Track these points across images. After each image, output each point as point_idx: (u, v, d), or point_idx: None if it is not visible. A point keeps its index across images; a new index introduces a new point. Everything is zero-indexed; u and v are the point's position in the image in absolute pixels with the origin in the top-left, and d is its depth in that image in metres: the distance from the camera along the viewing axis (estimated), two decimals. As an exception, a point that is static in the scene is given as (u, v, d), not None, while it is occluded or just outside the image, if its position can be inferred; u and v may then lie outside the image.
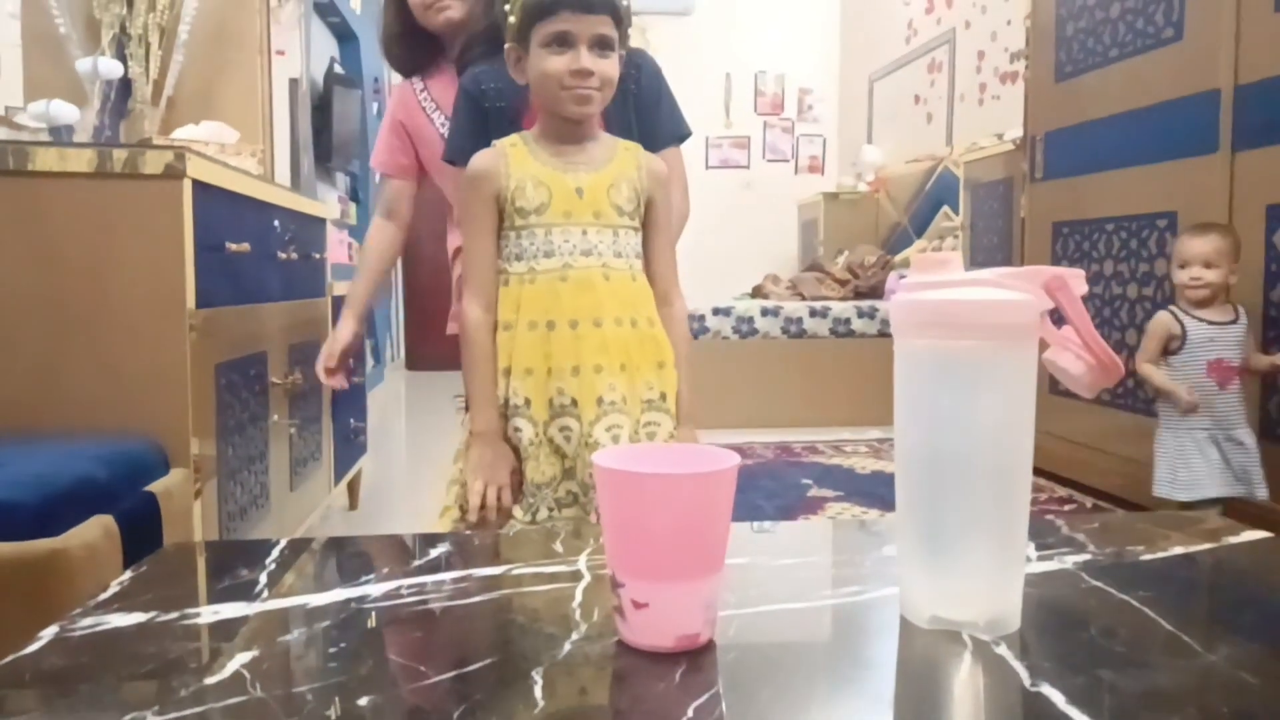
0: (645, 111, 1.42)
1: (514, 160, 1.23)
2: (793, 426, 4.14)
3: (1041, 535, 0.85)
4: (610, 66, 1.20)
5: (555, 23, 1.16)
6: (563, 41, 1.17)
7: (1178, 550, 0.82)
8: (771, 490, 3.01)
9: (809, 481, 3.12)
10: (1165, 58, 2.50)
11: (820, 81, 6.98)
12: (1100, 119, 2.78)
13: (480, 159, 1.24)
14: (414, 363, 6.99)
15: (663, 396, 1.26)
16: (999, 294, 0.61)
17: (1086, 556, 0.79)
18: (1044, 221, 3.06)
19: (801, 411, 4.25)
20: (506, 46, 1.23)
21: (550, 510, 1.23)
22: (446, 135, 1.45)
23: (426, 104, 1.68)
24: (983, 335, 0.61)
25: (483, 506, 1.21)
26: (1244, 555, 0.82)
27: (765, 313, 4.35)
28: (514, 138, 1.26)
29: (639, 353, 1.25)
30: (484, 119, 1.36)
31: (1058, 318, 0.64)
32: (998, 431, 0.63)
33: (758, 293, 5.18)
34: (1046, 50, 3.04)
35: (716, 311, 4.31)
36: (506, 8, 1.21)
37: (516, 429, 1.22)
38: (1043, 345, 0.65)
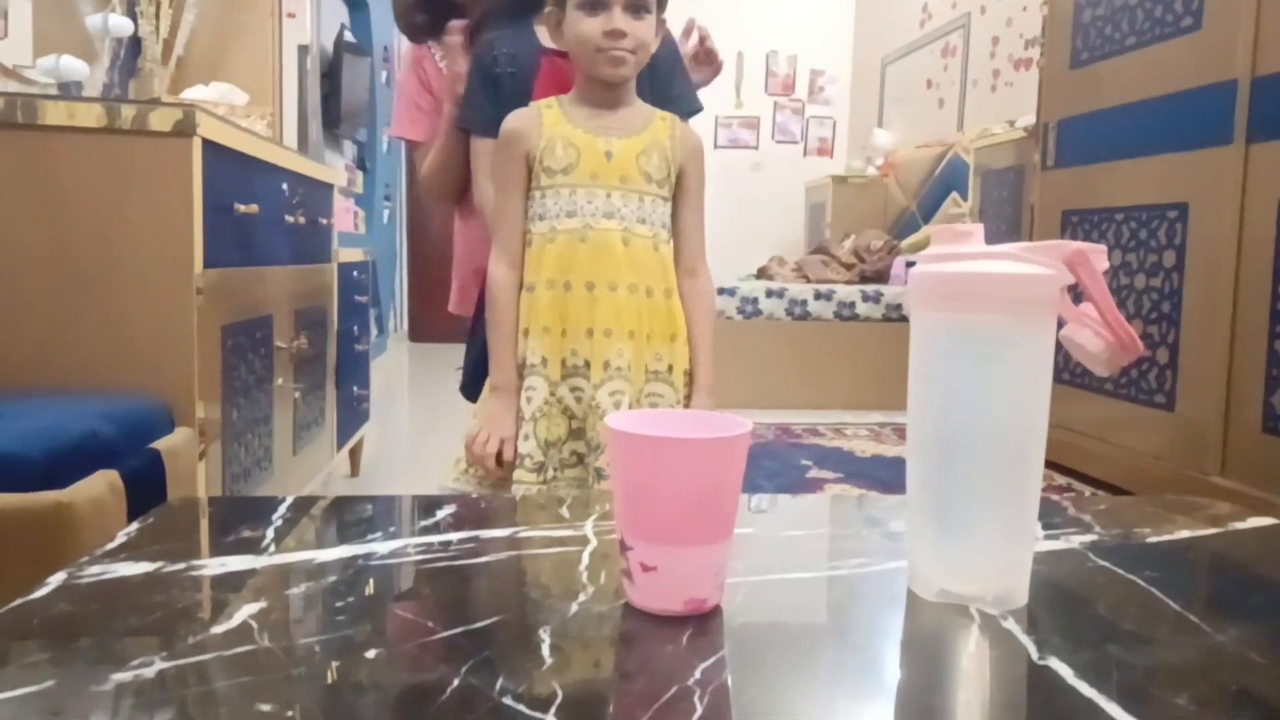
0: (661, 84, 1.41)
1: (547, 121, 1.24)
2: (794, 408, 4.14)
3: (1049, 515, 0.85)
4: (645, 29, 1.20)
5: None
6: (596, 4, 1.18)
7: (1184, 533, 0.82)
8: (772, 470, 3.01)
9: (809, 462, 3.13)
10: (1183, 47, 2.47)
11: (832, 63, 6.93)
12: (1114, 107, 2.76)
13: (514, 118, 1.25)
14: (417, 334, 6.99)
15: (669, 369, 1.26)
16: (1019, 267, 0.60)
17: (1093, 537, 0.79)
18: (1054, 210, 3.05)
19: (803, 393, 4.25)
20: (546, 10, 1.24)
21: (554, 471, 1.24)
22: (461, 101, 1.43)
23: (442, 65, 1.66)
24: (1001, 309, 0.61)
25: (497, 461, 1.23)
26: (1251, 540, 0.82)
27: (770, 294, 4.34)
28: (550, 100, 1.27)
29: (651, 322, 1.25)
30: (496, 85, 1.35)
31: (1076, 296, 0.64)
32: (1013, 406, 0.63)
33: (763, 274, 5.17)
34: (1063, 36, 3.01)
35: (721, 291, 4.30)
36: None
37: (530, 388, 1.23)
38: (1060, 322, 0.64)
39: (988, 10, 5.08)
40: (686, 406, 1.29)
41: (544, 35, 1.33)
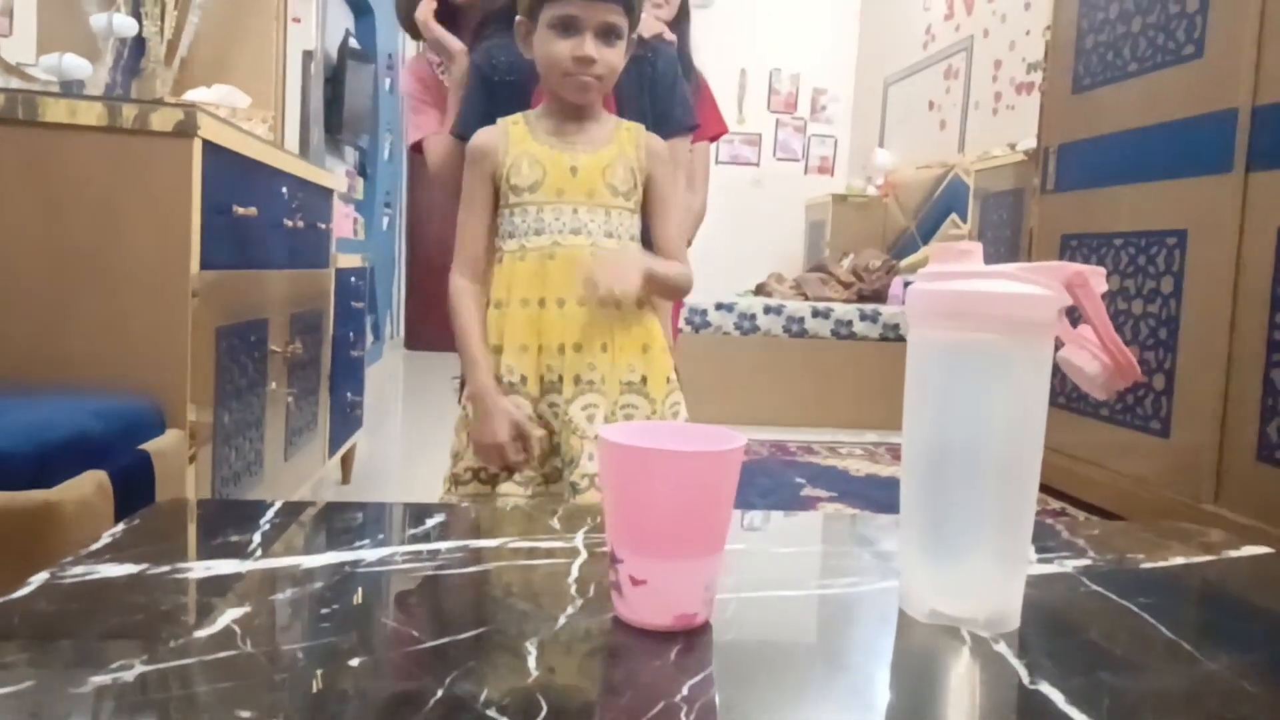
0: (660, 97, 1.42)
1: (513, 138, 1.24)
2: (790, 425, 4.14)
3: (1041, 539, 0.84)
4: (615, 55, 1.20)
5: (564, 5, 1.16)
6: (569, 26, 1.17)
7: (1178, 560, 0.82)
8: (765, 487, 3.00)
9: (803, 481, 3.12)
10: (1184, 74, 2.48)
11: (835, 82, 6.96)
12: (1115, 133, 2.77)
13: (480, 136, 1.25)
14: (413, 342, 6.98)
15: (644, 380, 1.25)
16: (1018, 287, 0.60)
17: (1087, 562, 0.79)
18: (1053, 233, 3.05)
19: (799, 411, 4.24)
20: (517, 20, 1.23)
21: (538, 487, 1.24)
22: (459, 110, 1.44)
23: (443, 77, 1.67)
24: (999, 328, 0.60)
25: (505, 468, 1.22)
26: (1244, 568, 0.82)
27: (768, 310, 4.34)
28: (517, 116, 1.27)
29: (622, 334, 1.24)
30: (492, 94, 1.36)
31: (1074, 319, 0.64)
32: (1008, 427, 0.62)
33: (761, 290, 5.17)
34: (1065, 61, 3.03)
35: (719, 307, 4.30)
36: None
37: (517, 407, 1.22)
38: (1058, 344, 0.64)
39: (991, 34, 5.11)
40: (675, 414, 1.28)
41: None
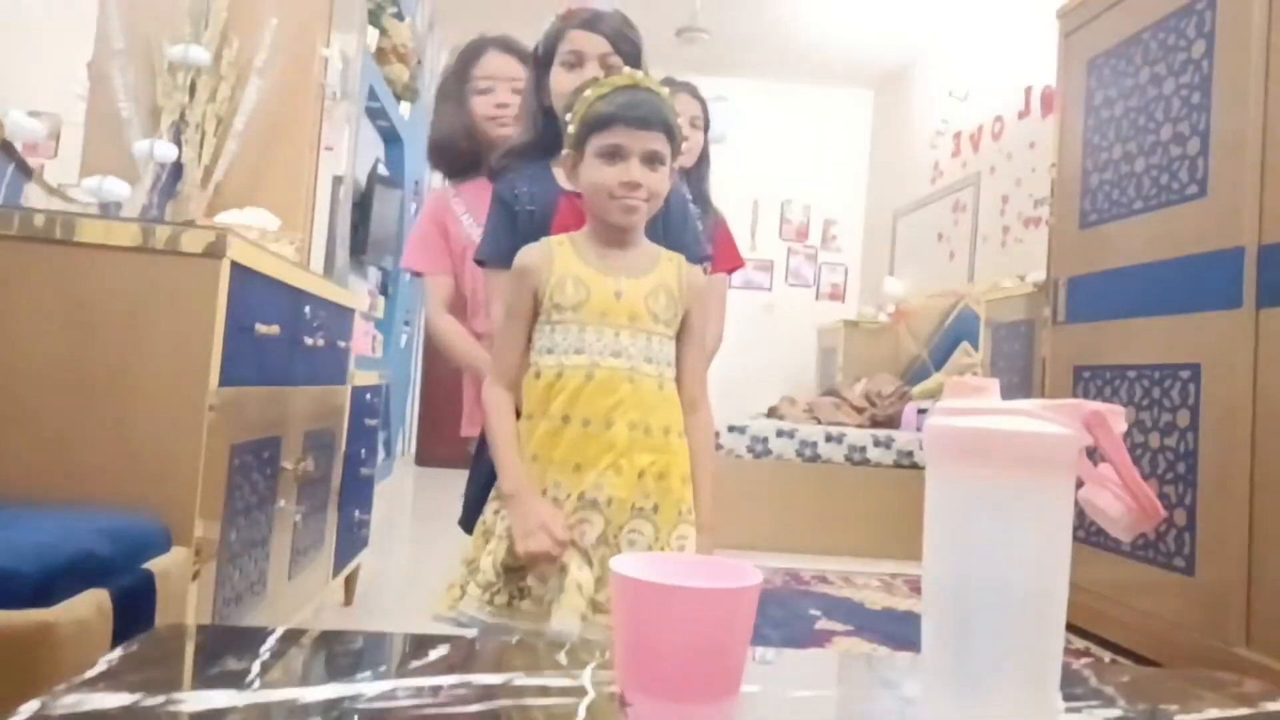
0: (671, 230, 1.46)
1: (559, 257, 1.27)
2: (802, 552, 4.05)
3: (1069, 685, 0.80)
4: (659, 180, 1.26)
5: (611, 135, 1.23)
6: (616, 154, 1.23)
7: (1213, 713, 0.78)
8: (778, 619, 2.91)
9: (817, 612, 3.03)
10: (1189, 213, 2.54)
11: (845, 213, 7.16)
12: (1124, 267, 2.81)
13: (528, 253, 1.29)
14: (424, 459, 6.96)
15: (655, 508, 1.24)
16: (1038, 426, 0.60)
17: (1118, 712, 0.75)
18: (1065, 364, 3.06)
19: (811, 537, 4.16)
20: (564, 153, 1.30)
21: (511, 599, 1.24)
22: (480, 237, 1.48)
23: (458, 208, 1.75)
24: (1020, 467, 0.60)
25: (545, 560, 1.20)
26: (1285, 724, 0.77)
27: (780, 434, 4.32)
28: (562, 237, 1.31)
29: (643, 458, 1.24)
30: (514, 221, 1.40)
31: (1095, 455, 0.63)
32: (1033, 566, 0.61)
33: (773, 414, 5.17)
34: (1071, 198, 3.11)
35: (731, 429, 4.29)
36: (568, 117, 1.28)
37: (499, 512, 1.24)
38: (1079, 482, 0.63)
39: (997, 170, 5.27)
40: (682, 547, 1.26)
41: (562, 176, 1.38)
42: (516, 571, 1.24)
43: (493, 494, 1.31)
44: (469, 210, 1.74)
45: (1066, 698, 0.76)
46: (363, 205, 4.37)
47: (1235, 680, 0.87)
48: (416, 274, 1.79)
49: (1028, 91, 5.02)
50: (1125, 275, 2.80)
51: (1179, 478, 2.49)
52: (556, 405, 1.23)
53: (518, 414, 1.28)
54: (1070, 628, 2.80)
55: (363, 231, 4.32)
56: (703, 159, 2.10)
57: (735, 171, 6.82)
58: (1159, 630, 2.49)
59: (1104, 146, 2.95)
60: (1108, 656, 2.65)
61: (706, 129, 2.09)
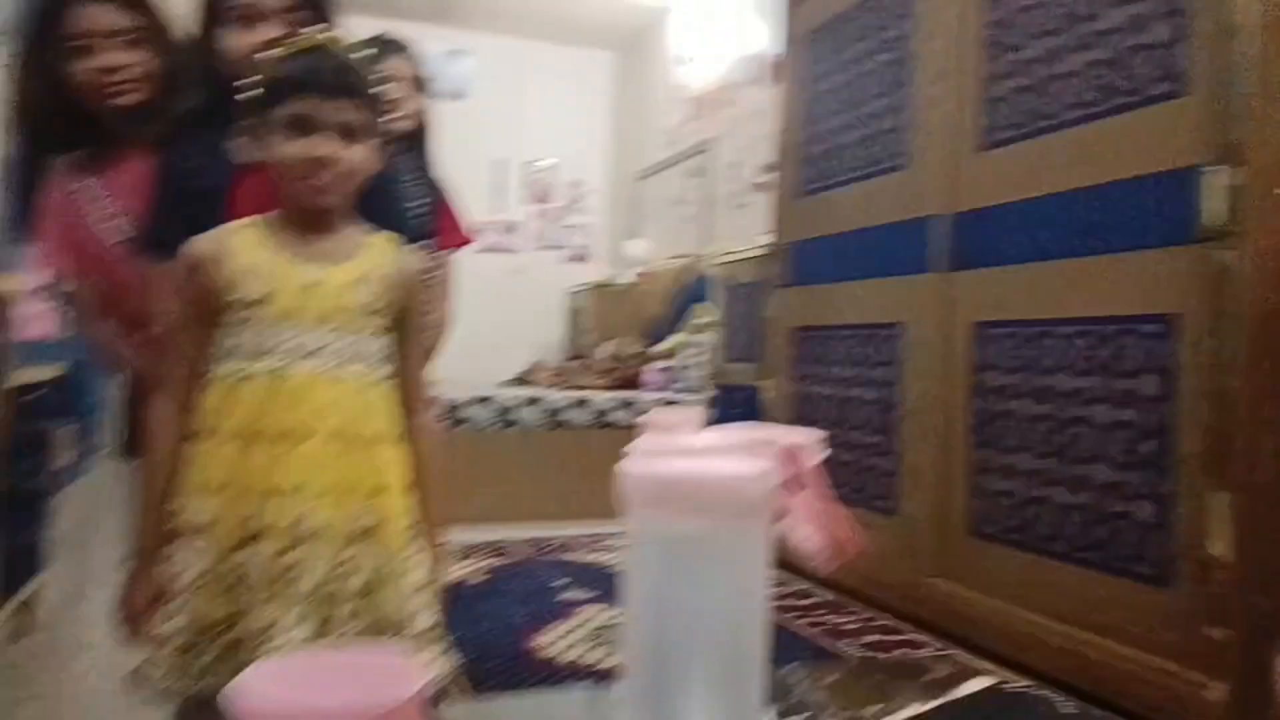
0: (376, 210, 1.32)
1: (240, 246, 1.10)
2: (552, 519, 4.04)
3: (783, 700, 0.80)
4: (355, 154, 1.10)
5: (294, 105, 1.06)
6: (301, 126, 1.07)
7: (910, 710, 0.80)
8: (523, 594, 2.88)
9: (564, 581, 3.03)
10: (892, 185, 2.73)
11: (591, 175, 7.17)
12: (838, 235, 2.99)
13: (196, 245, 1.10)
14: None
15: (375, 527, 1.10)
16: (730, 468, 0.55)
17: (824, 723, 0.75)
18: (785, 325, 3.23)
19: (560, 504, 4.16)
20: (244, 123, 1.12)
21: (212, 658, 1.05)
22: (141, 223, 1.26)
23: (97, 198, 1.44)
24: (711, 513, 0.55)
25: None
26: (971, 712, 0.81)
27: (526, 402, 4.27)
28: (246, 221, 1.13)
29: (351, 475, 1.09)
30: (179, 202, 1.20)
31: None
32: (726, 614, 0.57)
33: (522, 380, 5.11)
34: (793, 165, 3.26)
35: (476, 400, 4.17)
36: (245, 83, 1.10)
37: (187, 557, 1.06)
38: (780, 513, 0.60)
39: (730, 136, 5.47)
40: (408, 559, 1.14)
41: (241, 147, 1.20)
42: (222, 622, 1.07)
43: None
44: (113, 195, 1.45)
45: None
46: None
47: (927, 667, 0.90)
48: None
49: (760, 60, 5.22)
50: (839, 241, 2.98)
51: (884, 427, 2.70)
52: (238, 420, 1.06)
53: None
54: (785, 565, 2.99)
55: None
56: (424, 126, 1.93)
57: (478, 129, 6.61)
58: (866, 568, 2.69)
59: (822, 117, 3.10)
60: (830, 594, 2.85)
61: (434, 94, 1.91)
